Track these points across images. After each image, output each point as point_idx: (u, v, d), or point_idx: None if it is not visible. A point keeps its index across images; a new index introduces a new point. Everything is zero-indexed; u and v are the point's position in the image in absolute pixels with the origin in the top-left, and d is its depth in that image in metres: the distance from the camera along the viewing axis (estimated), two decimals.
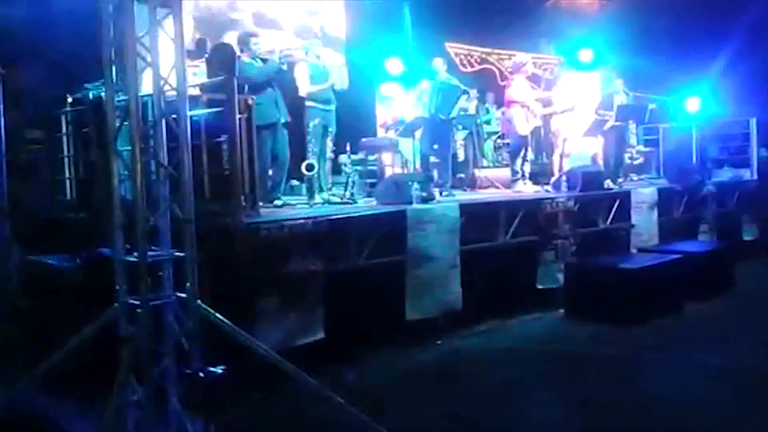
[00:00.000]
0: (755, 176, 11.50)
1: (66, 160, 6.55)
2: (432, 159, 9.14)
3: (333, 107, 7.90)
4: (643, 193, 9.17)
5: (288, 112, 7.42)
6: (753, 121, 11.60)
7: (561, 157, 10.23)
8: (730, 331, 6.65)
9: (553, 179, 9.32)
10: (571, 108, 10.17)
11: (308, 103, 7.73)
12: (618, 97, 10.54)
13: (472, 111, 11.13)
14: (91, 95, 5.89)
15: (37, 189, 6.31)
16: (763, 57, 13.12)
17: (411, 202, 6.77)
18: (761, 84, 12.99)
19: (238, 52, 7.11)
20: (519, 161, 9.43)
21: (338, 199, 7.68)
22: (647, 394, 5.10)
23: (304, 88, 7.72)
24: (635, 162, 11.97)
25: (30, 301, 5.42)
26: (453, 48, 12.54)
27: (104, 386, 3.99)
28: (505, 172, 10.00)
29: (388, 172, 8.99)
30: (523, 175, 9.38)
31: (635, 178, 11.48)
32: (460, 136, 10.43)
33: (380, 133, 10.58)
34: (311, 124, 7.75)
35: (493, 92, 12.10)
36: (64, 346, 4.22)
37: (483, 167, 10.58)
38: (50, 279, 5.64)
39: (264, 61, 7.29)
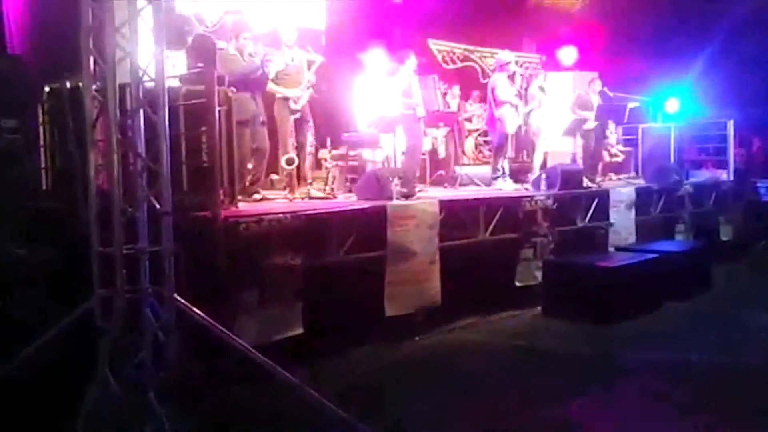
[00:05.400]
0: (732, 177, 11.64)
1: (42, 149, 6.46)
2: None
3: (307, 100, 7.86)
4: (622, 192, 9.24)
5: (265, 108, 7.39)
6: (730, 123, 11.74)
7: (544, 155, 10.31)
8: (707, 331, 6.71)
9: (532, 177, 9.36)
10: (546, 106, 10.25)
11: (279, 96, 7.70)
12: (596, 97, 10.61)
13: (453, 108, 11.15)
14: (68, 84, 5.82)
15: (12, 178, 6.21)
16: (742, 60, 13.28)
17: (391, 198, 6.76)
18: (739, 86, 13.15)
19: (228, 41, 7.10)
20: (501, 159, 9.47)
21: (318, 194, 7.65)
22: (622, 391, 5.14)
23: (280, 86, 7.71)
24: (615, 159, 12.07)
25: (4, 292, 5.33)
26: (436, 45, 12.54)
27: (81, 379, 3.95)
28: (485, 170, 10.02)
29: (369, 167, 8.97)
30: (504, 173, 9.42)
31: (614, 177, 11.57)
32: (441, 132, 10.42)
33: (361, 128, 10.53)
34: (292, 119, 7.72)
35: (475, 89, 12.12)
36: (39, 339, 4.17)
37: (464, 164, 10.59)
38: (25, 270, 5.56)
39: (250, 56, 7.26)
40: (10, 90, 6.27)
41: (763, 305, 7.47)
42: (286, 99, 7.72)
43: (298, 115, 7.78)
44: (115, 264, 3.96)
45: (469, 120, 11.71)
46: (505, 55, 9.77)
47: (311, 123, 7.95)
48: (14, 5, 7.76)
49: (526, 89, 9.87)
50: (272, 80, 7.67)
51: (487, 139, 10.86)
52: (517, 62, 10.28)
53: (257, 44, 7.46)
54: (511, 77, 9.59)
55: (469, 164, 10.86)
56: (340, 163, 8.93)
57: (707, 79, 13.06)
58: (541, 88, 10.49)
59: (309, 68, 7.90)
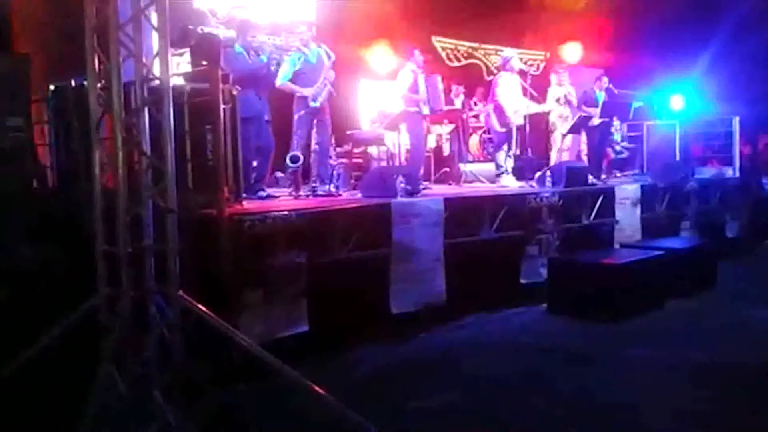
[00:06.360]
0: (737, 174, 11.61)
1: (47, 148, 6.47)
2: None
3: (325, 98, 7.84)
4: (627, 189, 9.22)
5: (270, 105, 7.40)
6: (736, 120, 11.71)
7: (560, 152, 10.33)
8: (712, 328, 6.69)
9: (537, 174, 9.36)
10: (554, 105, 10.27)
11: (298, 94, 7.69)
12: (602, 94, 10.60)
13: (458, 105, 11.15)
14: (73, 83, 5.82)
15: (18, 177, 6.22)
16: (747, 56, 13.23)
17: (396, 196, 6.76)
18: (745, 83, 13.10)
19: (236, 39, 7.13)
20: (502, 156, 9.46)
21: (323, 192, 7.65)
22: (624, 389, 5.12)
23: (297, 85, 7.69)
24: (620, 156, 12.05)
25: (9, 292, 5.34)
26: (440, 42, 12.54)
27: (86, 378, 3.96)
28: (490, 167, 10.02)
29: (374, 165, 8.98)
30: (506, 170, 9.43)
31: (619, 174, 11.55)
32: (445, 130, 10.43)
33: (365, 125, 10.55)
34: (296, 116, 7.72)
35: (480, 87, 12.12)
36: (45, 337, 4.18)
37: (468, 162, 10.59)
38: (30, 268, 5.57)
39: (256, 54, 7.26)
40: (15, 88, 6.28)
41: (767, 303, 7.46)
42: (304, 97, 7.70)
43: (302, 112, 7.76)
44: (120, 262, 3.97)
45: (475, 117, 11.72)
46: (508, 52, 9.78)
47: (317, 122, 7.88)
48: (20, 4, 7.78)
49: (531, 85, 9.86)
50: (290, 80, 7.66)
51: (491, 136, 10.85)
52: (521, 59, 10.28)
53: (265, 43, 7.49)
54: (519, 74, 9.60)
55: (473, 161, 10.86)
56: (344, 160, 8.95)
57: (713, 75, 13.02)
58: (560, 84, 10.52)
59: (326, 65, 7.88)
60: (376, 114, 10.45)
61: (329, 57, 7.81)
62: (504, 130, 9.43)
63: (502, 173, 9.42)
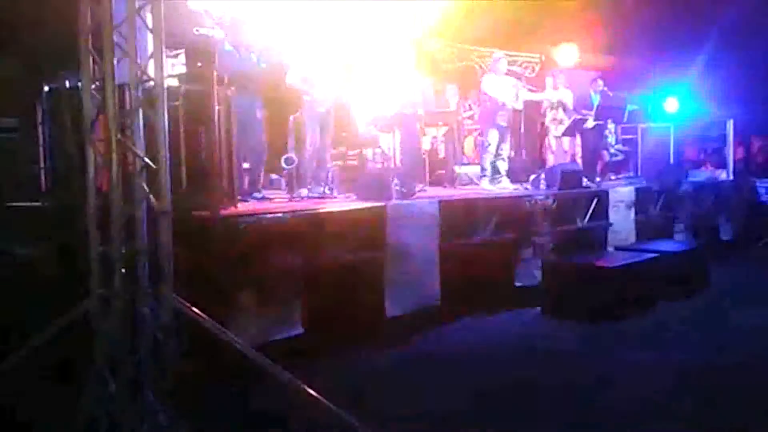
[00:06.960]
0: (731, 177, 11.66)
1: (41, 149, 6.45)
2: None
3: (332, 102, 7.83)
4: (621, 192, 9.25)
5: (264, 106, 7.40)
6: (730, 123, 11.75)
7: (554, 155, 10.35)
8: (705, 330, 6.71)
9: (532, 177, 9.36)
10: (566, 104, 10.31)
11: (305, 96, 7.68)
12: (597, 96, 10.62)
13: (452, 107, 11.14)
14: (67, 84, 5.81)
15: (11, 178, 6.20)
16: (742, 59, 13.27)
17: (391, 198, 6.76)
18: (739, 86, 13.14)
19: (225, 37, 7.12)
20: (488, 158, 9.41)
21: (318, 194, 7.64)
22: (618, 391, 5.13)
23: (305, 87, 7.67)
24: (615, 159, 12.08)
25: (2, 291, 5.33)
26: (434, 43, 12.53)
27: (79, 379, 3.95)
28: None
29: (369, 167, 8.97)
30: (487, 174, 9.33)
31: (613, 177, 11.57)
32: (440, 132, 10.43)
33: (360, 127, 10.52)
34: (293, 117, 7.71)
35: (474, 89, 12.11)
36: (38, 338, 4.17)
37: (463, 164, 10.59)
38: (24, 269, 5.55)
39: (247, 52, 7.24)
40: (9, 89, 6.27)
41: (760, 305, 7.47)
42: (312, 101, 7.69)
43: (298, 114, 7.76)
44: (113, 263, 3.95)
45: (470, 119, 11.72)
46: (496, 53, 9.83)
47: (320, 125, 7.83)
48: (14, 3, 7.74)
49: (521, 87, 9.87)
50: (299, 80, 7.66)
51: (484, 139, 10.85)
52: (515, 62, 10.31)
53: (257, 42, 7.47)
54: (510, 75, 9.61)
55: (468, 164, 10.86)
56: (339, 162, 8.93)
57: (707, 78, 13.05)
58: (556, 87, 10.54)
59: (335, 69, 7.87)
60: (372, 116, 10.43)
61: (337, 62, 7.83)
62: (501, 124, 9.41)
63: (483, 177, 9.35)
